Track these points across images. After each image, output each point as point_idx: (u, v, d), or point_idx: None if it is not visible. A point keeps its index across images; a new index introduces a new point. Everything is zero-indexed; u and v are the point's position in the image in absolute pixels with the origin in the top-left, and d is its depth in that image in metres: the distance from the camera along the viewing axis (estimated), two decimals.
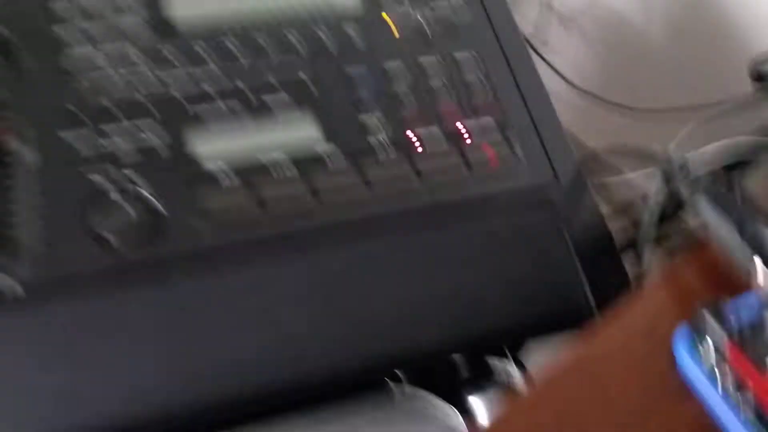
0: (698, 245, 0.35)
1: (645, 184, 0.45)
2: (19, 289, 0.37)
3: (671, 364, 0.32)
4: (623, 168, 0.54)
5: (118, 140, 0.41)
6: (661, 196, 0.42)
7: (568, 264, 0.43)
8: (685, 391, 0.31)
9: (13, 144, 0.40)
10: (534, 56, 1.33)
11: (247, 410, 0.38)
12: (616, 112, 1.22)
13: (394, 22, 0.49)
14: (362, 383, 0.41)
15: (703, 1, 1.13)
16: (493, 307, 0.41)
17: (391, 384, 0.45)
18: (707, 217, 0.33)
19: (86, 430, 0.35)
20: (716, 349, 0.31)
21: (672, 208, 0.48)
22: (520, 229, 0.43)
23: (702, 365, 0.31)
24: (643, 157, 0.39)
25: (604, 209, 0.47)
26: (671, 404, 0.31)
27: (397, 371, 0.45)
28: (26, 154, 0.40)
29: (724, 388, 0.30)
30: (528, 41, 1.33)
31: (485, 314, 0.41)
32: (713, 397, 0.30)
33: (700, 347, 0.31)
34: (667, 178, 0.41)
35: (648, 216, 0.42)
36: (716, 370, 0.31)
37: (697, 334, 0.31)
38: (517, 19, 1.43)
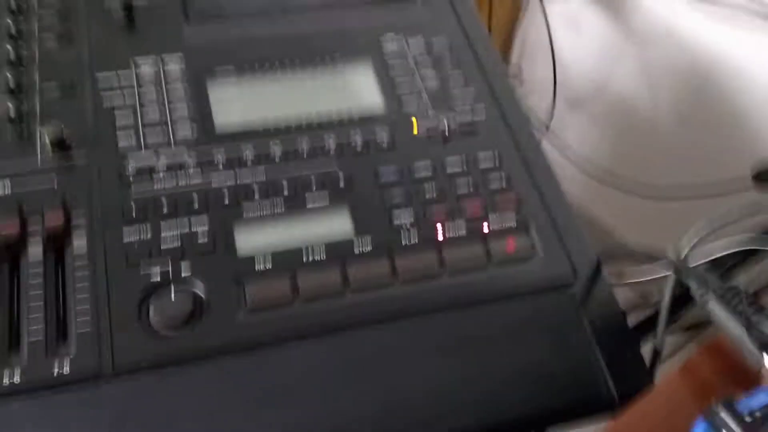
0: (713, 341, 0.38)
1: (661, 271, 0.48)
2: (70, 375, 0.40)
3: None
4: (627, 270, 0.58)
5: (174, 237, 0.45)
6: (672, 291, 0.45)
7: (588, 353, 0.45)
8: None
9: (80, 244, 0.44)
10: (548, 144, 1.39)
11: None
12: (625, 192, 1.26)
13: (420, 125, 0.53)
14: None
15: (706, 89, 1.18)
16: (514, 393, 0.44)
17: None
18: (717, 316, 0.36)
19: None
20: None
21: (685, 298, 0.51)
22: (540, 319, 0.46)
23: None
24: (654, 257, 0.42)
25: (622, 296, 0.50)
26: None
27: None
28: (92, 250, 0.44)
29: None
30: (546, 131, 1.38)
31: (507, 400, 0.44)
32: None
33: None
34: (678, 275, 0.45)
35: (663, 310, 0.45)
36: None
37: (713, 427, 0.34)
38: (531, 103, 1.49)
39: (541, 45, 1.36)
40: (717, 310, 0.36)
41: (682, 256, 0.43)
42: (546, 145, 1.41)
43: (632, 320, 0.50)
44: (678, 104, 1.24)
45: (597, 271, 0.49)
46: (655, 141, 1.29)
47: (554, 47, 1.32)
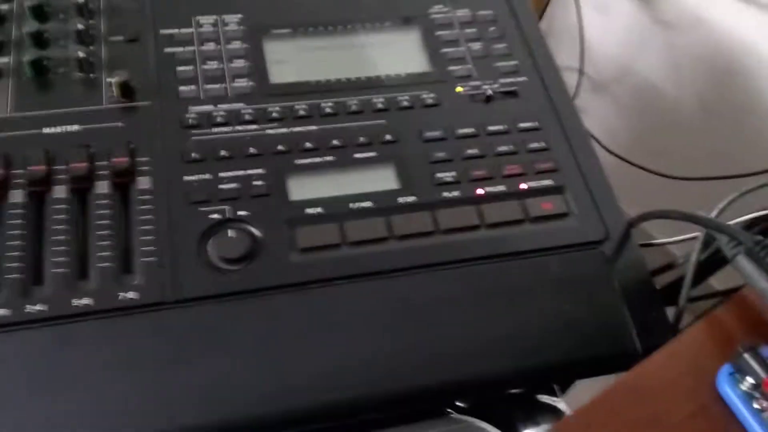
0: (740, 295, 0.41)
1: (677, 251, 0.51)
2: (138, 301, 0.43)
3: (714, 397, 0.37)
4: (656, 235, 0.60)
5: (232, 183, 0.48)
6: (700, 255, 0.47)
7: (617, 310, 0.48)
8: (727, 421, 0.36)
9: (145, 183, 0.48)
10: None
11: (315, 420, 0.43)
12: (645, 177, 1.28)
13: (465, 92, 0.56)
14: (424, 407, 0.47)
15: (732, 78, 1.20)
16: (546, 345, 0.47)
17: (452, 412, 0.51)
18: (745, 269, 0.39)
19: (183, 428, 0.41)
20: (755, 386, 0.36)
21: (711, 265, 0.53)
22: (571, 273, 0.49)
23: (743, 399, 0.36)
24: (688, 221, 0.45)
25: (650, 259, 0.53)
26: (719, 428, 0.36)
27: (457, 402, 0.51)
28: (156, 189, 0.47)
29: (762, 419, 0.35)
30: None
31: (539, 352, 0.46)
32: (753, 427, 0.35)
33: (741, 384, 0.37)
34: (707, 241, 0.47)
35: (689, 272, 0.48)
36: (755, 403, 0.36)
37: (739, 372, 0.37)
38: None
39: (567, 27, 1.38)
40: (745, 263, 0.39)
41: (713, 215, 0.46)
42: None
43: (659, 283, 0.53)
44: (703, 92, 1.25)
45: (627, 232, 0.51)
46: (678, 127, 1.31)
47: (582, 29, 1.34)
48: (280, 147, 0.51)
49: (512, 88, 0.56)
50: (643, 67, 1.33)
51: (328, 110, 0.53)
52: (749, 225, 0.55)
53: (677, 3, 1.21)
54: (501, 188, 0.51)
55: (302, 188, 0.49)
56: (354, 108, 0.53)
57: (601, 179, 0.54)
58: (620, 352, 0.47)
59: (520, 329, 0.47)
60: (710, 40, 1.21)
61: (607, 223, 0.51)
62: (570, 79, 1.43)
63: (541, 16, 1.42)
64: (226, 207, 0.47)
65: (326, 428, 0.44)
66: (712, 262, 0.50)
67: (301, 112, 0.52)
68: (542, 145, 0.54)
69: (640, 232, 0.53)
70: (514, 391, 0.49)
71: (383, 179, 0.51)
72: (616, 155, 1.38)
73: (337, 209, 0.49)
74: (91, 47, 0.53)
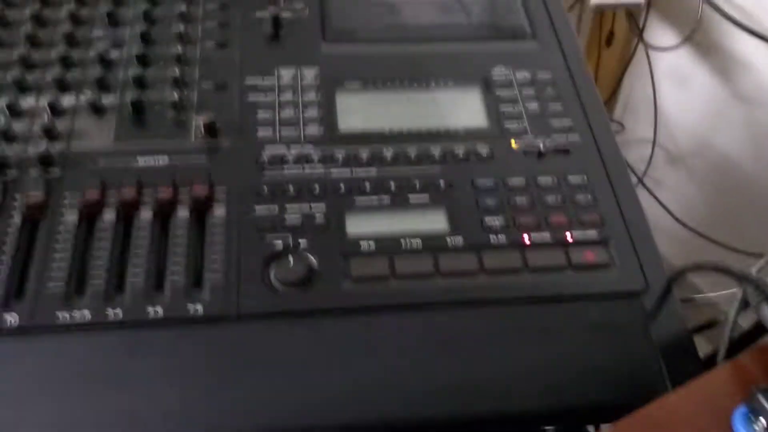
0: (764, 343, 0.42)
1: (725, 304, 0.52)
2: (203, 313, 0.48)
3: None
4: (704, 289, 0.61)
5: (296, 216, 0.53)
6: (740, 304, 0.49)
7: (652, 360, 0.50)
8: None
9: (220, 211, 0.53)
10: (645, 193, 1.42)
11: None
12: (720, 253, 1.27)
13: (518, 146, 0.60)
14: None
15: None
16: (578, 387, 0.49)
17: None
18: None
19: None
20: (767, 426, 0.37)
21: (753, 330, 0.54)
22: (609, 322, 0.51)
23: None
24: (717, 271, 0.46)
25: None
26: None
27: None
28: (229, 217, 0.53)
29: None
30: (639, 178, 1.41)
31: (570, 393, 0.48)
32: None
33: (755, 424, 0.38)
34: (746, 298, 0.49)
35: (727, 327, 0.49)
36: None
37: (753, 413, 0.38)
38: (630, 156, 1.53)
39: (645, 99, 1.40)
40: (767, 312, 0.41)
41: (754, 271, 0.47)
42: (642, 195, 1.43)
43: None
44: None
45: (668, 287, 0.53)
46: (756, 203, 1.29)
47: (659, 101, 1.36)
48: (341, 187, 0.55)
49: (564, 146, 0.60)
50: (721, 141, 1.33)
51: (389, 157, 0.58)
52: None
53: (756, 77, 1.22)
54: (546, 236, 0.54)
55: (358, 224, 0.54)
56: (413, 156, 0.58)
57: (646, 234, 0.56)
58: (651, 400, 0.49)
59: (554, 370, 0.49)
60: None
61: (647, 276, 0.53)
62: (646, 151, 1.44)
63: (617, 87, 1.45)
64: (289, 236, 0.52)
65: None
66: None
67: (364, 158, 0.57)
68: (589, 198, 0.57)
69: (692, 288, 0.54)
70: (546, 428, 0.51)
71: (434, 221, 0.55)
72: (691, 228, 1.38)
73: (388, 245, 0.53)
74: (185, 91, 0.60)
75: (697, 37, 1.22)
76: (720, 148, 1.33)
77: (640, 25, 1.26)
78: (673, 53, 1.29)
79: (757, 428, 0.38)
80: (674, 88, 1.37)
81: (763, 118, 1.24)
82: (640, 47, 1.31)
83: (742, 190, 1.32)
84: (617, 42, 1.36)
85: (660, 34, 1.31)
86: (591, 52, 1.40)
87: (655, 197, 1.38)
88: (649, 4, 1.24)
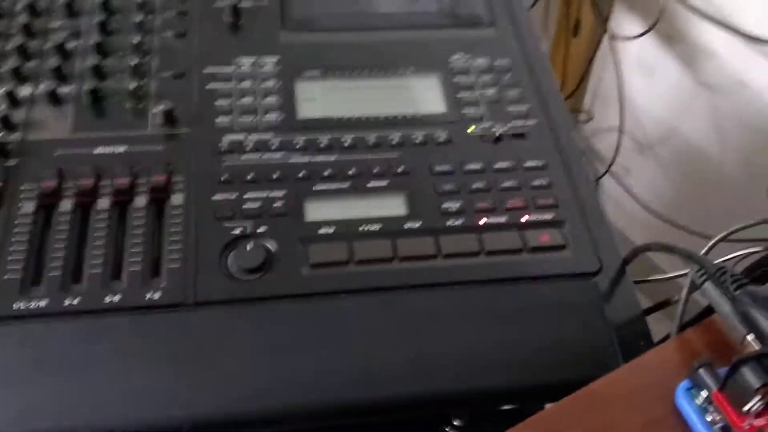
0: (708, 321, 0.43)
1: (682, 283, 0.53)
2: (161, 300, 0.48)
3: (671, 410, 0.39)
4: (665, 269, 0.63)
5: (255, 203, 0.54)
6: (690, 291, 0.50)
7: (605, 338, 0.51)
8: (681, 429, 0.38)
9: (178, 199, 0.53)
10: (613, 181, 1.43)
11: (313, 418, 0.47)
12: (688, 238, 1.29)
13: (476, 132, 0.60)
14: (416, 415, 0.50)
15: None
16: (534, 365, 0.49)
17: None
18: (710, 295, 0.41)
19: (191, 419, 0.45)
20: (708, 399, 0.38)
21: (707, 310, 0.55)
22: (563, 301, 0.51)
23: (697, 412, 0.39)
24: (665, 252, 0.47)
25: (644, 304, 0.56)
26: None
27: (454, 422, 0.54)
28: (187, 206, 0.53)
29: (712, 428, 0.38)
30: (607, 167, 1.43)
31: (527, 370, 0.49)
32: None
33: (696, 398, 0.39)
34: (685, 260, 0.49)
35: (679, 307, 0.51)
36: (708, 416, 0.38)
37: (695, 387, 0.39)
38: (599, 144, 1.54)
39: (613, 88, 1.42)
40: (711, 290, 0.42)
41: (704, 251, 0.48)
42: (610, 183, 1.45)
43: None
44: (746, 155, 1.26)
45: (622, 268, 0.54)
46: (721, 188, 1.31)
47: (626, 90, 1.37)
48: (301, 173, 0.56)
49: (521, 131, 0.61)
50: (686, 128, 1.35)
51: (347, 143, 0.58)
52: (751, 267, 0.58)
53: (721, 66, 1.24)
54: (502, 219, 0.55)
55: (317, 210, 0.54)
56: (371, 142, 0.58)
57: (600, 216, 0.57)
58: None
59: (510, 349, 0.50)
60: (753, 103, 1.22)
61: (602, 257, 0.54)
62: (614, 140, 1.46)
63: (585, 76, 1.46)
64: (248, 223, 0.53)
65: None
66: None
67: (323, 144, 0.58)
68: (545, 182, 0.57)
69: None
70: (505, 407, 0.52)
71: (393, 206, 0.55)
72: (658, 215, 1.40)
73: (347, 230, 0.53)
74: (143, 81, 0.60)
75: (661, 27, 1.23)
76: (686, 136, 1.35)
77: (605, 15, 1.28)
78: (639, 43, 1.31)
79: (698, 402, 0.39)
80: (640, 77, 1.39)
81: (727, 105, 1.26)
82: (607, 37, 1.33)
83: (708, 176, 1.34)
84: (584, 32, 1.38)
85: (625, 23, 1.33)
86: (559, 42, 1.42)
87: (623, 185, 1.39)
88: None
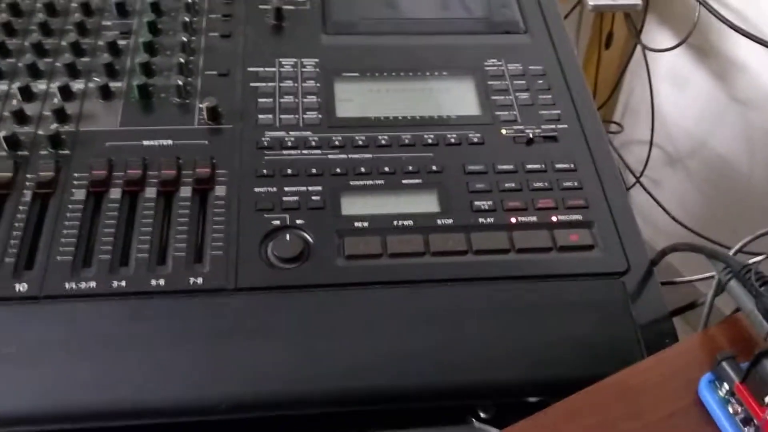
0: (732, 317, 0.44)
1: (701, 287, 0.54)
2: (203, 285, 0.51)
3: (695, 401, 0.41)
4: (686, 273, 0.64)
5: (293, 197, 0.56)
6: (715, 291, 0.51)
7: (631, 336, 0.52)
8: (703, 422, 0.40)
9: (221, 191, 0.56)
10: (643, 193, 1.43)
11: (340, 403, 0.49)
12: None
13: (508, 134, 0.62)
14: (442, 404, 0.51)
15: None
16: (560, 360, 0.51)
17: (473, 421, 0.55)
18: (734, 293, 0.43)
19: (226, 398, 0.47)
20: (731, 392, 0.40)
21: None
22: (591, 302, 0.53)
23: (719, 404, 0.40)
24: (692, 251, 0.49)
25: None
26: (693, 428, 0.39)
27: (480, 413, 0.55)
28: (229, 197, 0.55)
29: (735, 422, 0.39)
30: (637, 178, 1.43)
31: (553, 365, 0.50)
32: (726, 425, 0.39)
33: (719, 390, 0.40)
34: (711, 259, 0.50)
35: (705, 308, 0.52)
36: (730, 408, 0.39)
37: (718, 380, 0.41)
38: (629, 157, 1.54)
39: (644, 100, 1.42)
40: (736, 288, 0.43)
41: (734, 251, 0.49)
42: (639, 194, 1.45)
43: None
44: None
45: (649, 269, 0.56)
46: (749, 202, 1.31)
47: (657, 103, 1.38)
48: (337, 170, 0.58)
49: (552, 134, 0.62)
50: (717, 141, 1.35)
51: (383, 142, 0.60)
52: None
53: (753, 80, 1.24)
54: (533, 219, 0.57)
55: (353, 205, 0.56)
56: (406, 141, 0.60)
57: (629, 218, 0.58)
58: None
59: (537, 343, 0.51)
60: None
61: (629, 258, 0.56)
62: (644, 152, 1.46)
63: (616, 88, 1.47)
64: (287, 215, 0.55)
65: (349, 418, 0.50)
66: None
67: (360, 142, 0.60)
68: (575, 184, 0.59)
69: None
70: (531, 400, 0.53)
71: (426, 203, 0.57)
72: (687, 227, 1.40)
73: (381, 224, 0.55)
74: (189, 78, 0.63)
75: (694, 40, 1.24)
76: (716, 149, 1.35)
77: (638, 27, 1.29)
78: (671, 55, 1.31)
79: (721, 393, 0.40)
80: (672, 90, 1.39)
81: (758, 119, 1.26)
82: (639, 49, 1.34)
83: (738, 190, 1.34)
84: (616, 44, 1.38)
85: (658, 36, 1.33)
86: (591, 53, 1.43)
87: (653, 197, 1.40)
88: (647, 7, 1.26)
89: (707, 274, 0.56)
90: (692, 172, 1.42)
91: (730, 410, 0.39)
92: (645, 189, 1.39)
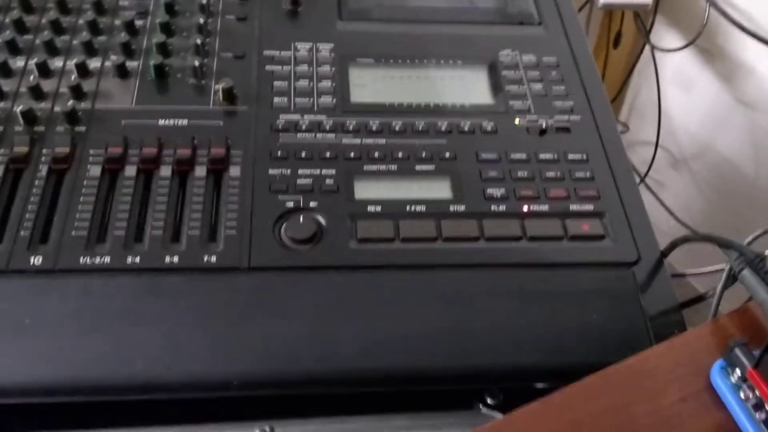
0: (744, 306, 0.45)
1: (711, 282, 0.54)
2: (216, 264, 0.51)
3: (706, 386, 0.41)
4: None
5: (307, 179, 0.56)
6: (726, 281, 0.51)
7: (640, 324, 0.52)
8: (714, 406, 0.40)
9: (235, 171, 0.56)
10: (647, 193, 1.43)
11: (352, 383, 0.49)
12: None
13: (522, 124, 0.62)
14: (451, 386, 0.52)
15: None
16: (569, 347, 0.51)
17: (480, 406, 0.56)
18: (748, 282, 0.43)
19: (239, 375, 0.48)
20: (743, 378, 0.40)
21: None
22: (602, 291, 0.53)
23: (731, 389, 0.40)
24: (705, 241, 0.49)
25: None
26: (704, 413, 0.40)
27: (488, 399, 0.56)
28: (243, 177, 0.56)
29: (746, 407, 0.39)
30: (641, 179, 1.43)
31: (562, 351, 0.51)
32: (737, 410, 0.39)
33: (731, 376, 0.41)
34: (724, 248, 0.51)
35: (715, 300, 0.52)
36: (741, 393, 0.40)
37: (730, 366, 0.41)
38: (634, 157, 1.54)
39: (651, 101, 1.43)
40: (749, 277, 0.43)
41: (747, 241, 0.50)
42: (643, 195, 1.46)
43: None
44: None
45: (660, 260, 0.56)
46: (754, 205, 1.32)
47: (664, 104, 1.38)
48: (351, 154, 0.58)
49: (566, 125, 0.63)
50: (723, 144, 1.36)
51: (397, 128, 0.60)
52: None
53: (759, 82, 1.24)
54: (545, 208, 0.57)
55: (366, 189, 0.56)
56: (420, 128, 0.61)
57: (640, 209, 0.58)
58: None
59: (546, 329, 0.51)
60: None
61: (640, 249, 0.56)
62: (649, 153, 1.46)
63: (623, 88, 1.47)
64: (300, 197, 0.55)
65: (356, 399, 0.50)
66: None
67: (374, 128, 0.60)
68: (587, 174, 0.59)
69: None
70: (538, 386, 0.54)
71: (439, 189, 0.57)
72: (692, 229, 1.40)
73: (394, 209, 0.56)
74: (205, 59, 0.63)
75: (702, 41, 1.24)
76: (722, 151, 1.36)
77: (648, 27, 1.29)
78: (679, 56, 1.32)
79: (732, 379, 0.41)
80: (679, 91, 1.39)
81: (764, 122, 1.27)
82: (647, 50, 1.34)
83: (743, 192, 1.35)
84: (625, 43, 1.39)
85: (666, 36, 1.34)
86: (599, 52, 1.43)
87: (658, 198, 1.40)
88: (656, 7, 1.27)
89: (717, 266, 0.57)
90: (697, 174, 1.42)
91: (742, 396, 0.40)
92: (650, 189, 1.39)
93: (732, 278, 0.49)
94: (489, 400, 0.56)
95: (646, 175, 1.44)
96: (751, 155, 1.31)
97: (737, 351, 0.40)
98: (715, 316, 0.51)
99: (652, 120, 1.43)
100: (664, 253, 0.56)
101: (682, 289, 0.65)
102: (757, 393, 0.39)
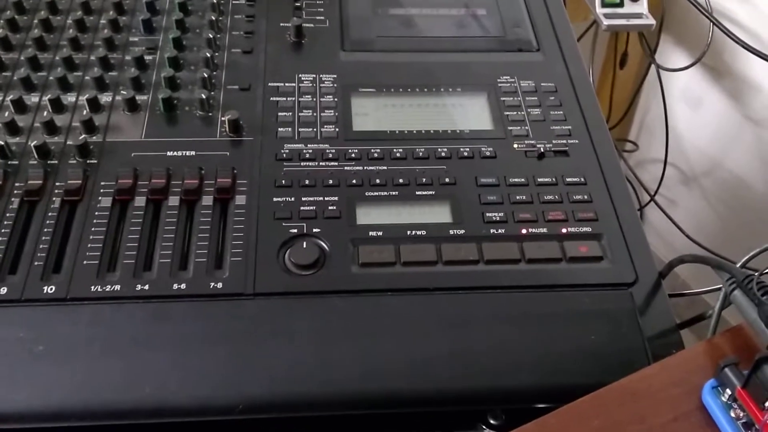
0: (737, 327, 0.46)
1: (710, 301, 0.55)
2: (223, 290, 0.53)
3: (698, 406, 0.42)
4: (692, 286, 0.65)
5: (311, 206, 0.58)
6: (723, 301, 0.52)
7: (638, 345, 0.53)
8: (705, 426, 0.41)
9: (241, 200, 0.58)
10: (657, 211, 1.43)
11: (355, 406, 0.50)
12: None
13: (520, 148, 0.64)
14: (451, 409, 0.52)
15: None
16: (568, 368, 0.52)
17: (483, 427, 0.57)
18: (738, 302, 0.44)
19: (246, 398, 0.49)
20: (733, 397, 0.41)
21: None
22: (600, 312, 0.54)
23: (722, 408, 0.41)
24: (698, 262, 0.50)
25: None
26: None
27: (491, 420, 0.56)
28: (249, 206, 0.57)
29: (737, 426, 0.40)
30: (651, 197, 1.43)
31: (561, 373, 0.52)
32: (728, 430, 0.40)
33: (722, 396, 0.41)
34: (715, 269, 0.51)
35: (713, 319, 0.53)
36: (732, 412, 0.41)
37: (721, 386, 0.42)
38: (644, 175, 1.55)
39: (659, 119, 1.43)
40: (739, 297, 0.44)
41: (740, 263, 0.50)
42: (653, 213, 1.46)
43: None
44: None
45: (658, 281, 0.57)
46: (764, 222, 1.31)
47: (672, 122, 1.39)
48: (353, 181, 0.60)
49: (563, 148, 0.64)
50: (731, 161, 1.36)
51: (398, 155, 0.62)
52: None
53: (766, 100, 1.25)
54: (543, 230, 0.58)
55: (368, 215, 0.58)
56: (420, 154, 0.62)
57: (638, 231, 0.59)
58: None
59: (545, 351, 0.52)
60: None
61: (637, 269, 0.57)
62: (659, 171, 1.47)
63: (630, 107, 1.48)
64: (304, 224, 0.57)
65: (361, 421, 0.51)
66: None
67: (375, 155, 0.62)
68: (585, 197, 0.60)
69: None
70: (540, 406, 0.54)
71: (439, 213, 0.59)
72: (702, 246, 1.40)
73: (395, 234, 0.57)
74: (212, 92, 0.65)
75: (708, 60, 1.25)
76: (730, 168, 1.36)
77: (653, 47, 1.30)
78: (686, 74, 1.32)
79: (723, 399, 0.41)
80: (687, 109, 1.40)
81: None
82: (653, 69, 1.35)
83: (752, 208, 1.35)
84: (631, 63, 1.40)
85: (672, 56, 1.35)
86: (606, 73, 1.44)
87: (668, 215, 1.40)
88: (661, 27, 1.28)
89: (715, 287, 0.57)
90: (707, 191, 1.43)
91: (733, 415, 0.40)
92: (660, 207, 1.40)
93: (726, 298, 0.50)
94: (492, 421, 0.57)
95: (656, 192, 1.44)
96: (761, 171, 1.31)
97: (727, 371, 0.41)
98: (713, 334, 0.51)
99: (662, 138, 1.44)
100: (662, 274, 0.57)
101: (695, 305, 0.66)
102: (747, 412, 0.40)
